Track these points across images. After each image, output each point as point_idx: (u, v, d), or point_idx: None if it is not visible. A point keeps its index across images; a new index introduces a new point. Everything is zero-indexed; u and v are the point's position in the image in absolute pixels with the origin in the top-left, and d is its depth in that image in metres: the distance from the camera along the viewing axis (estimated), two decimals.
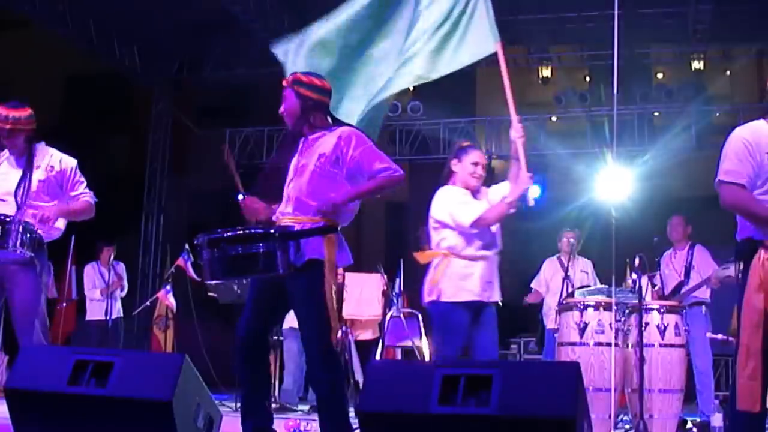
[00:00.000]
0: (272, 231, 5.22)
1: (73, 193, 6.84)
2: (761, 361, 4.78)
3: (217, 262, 5.29)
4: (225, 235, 5.28)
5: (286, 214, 5.56)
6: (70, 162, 6.90)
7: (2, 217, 6.37)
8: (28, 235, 6.40)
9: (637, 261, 8.20)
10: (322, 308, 5.39)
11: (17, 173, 6.73)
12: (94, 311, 13.59)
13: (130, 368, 5.07)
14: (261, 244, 5.17)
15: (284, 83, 5.81)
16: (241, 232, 5.29)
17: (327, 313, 5.39)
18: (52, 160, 6.83)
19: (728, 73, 21.25)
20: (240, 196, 5.83)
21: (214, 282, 6.28)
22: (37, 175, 6.73)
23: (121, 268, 14.02)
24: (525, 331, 15.89)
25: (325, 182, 5.51)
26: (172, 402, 4.87)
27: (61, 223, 6.78)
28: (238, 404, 6.17)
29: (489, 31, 7.26)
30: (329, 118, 5.88)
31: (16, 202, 6.63)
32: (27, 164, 6.76)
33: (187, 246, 12.49)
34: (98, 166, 6.78)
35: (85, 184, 6.92)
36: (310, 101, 5.71)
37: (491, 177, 18.59)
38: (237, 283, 10.48)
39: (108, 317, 13.42)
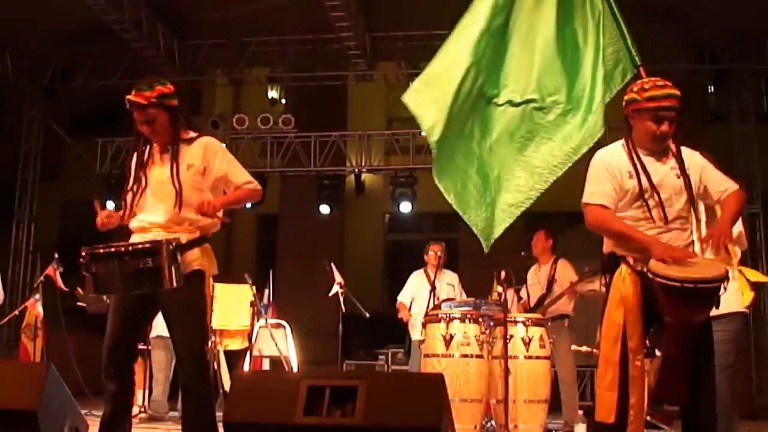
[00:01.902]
0: (167, 245, 5.12)
1: None
2: (618, 373, 4.88)
3: (118, 276, 5.16)
4: (129, 249, 5.17)
5: (156, 225, 5.46)
6: None
7: None
8: None
9: (503, 274, 8.29)
10: (201, 317, 5.36)
11: None
12: None
13: None
14: (158, 258, 5.07)
15: (143, 100, 5.48)
16: (142, 246, 5.16)
17: (204, 321, 5.37)
18: None
19: None
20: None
21: (97, 295, 6.10)
22: None
23: None
24: (392, 342, 15.94)
25: (195, 193, 5.45)
26: (38, 412, 4.79)
27: None
28: None
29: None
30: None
31: None
32: None
33: (56, 255, 12.28)
34: None
35: None
36: (177, 110, 5.61)
37: (361, 189, 18.75)
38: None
39: None
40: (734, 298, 6.04)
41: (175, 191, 5.43)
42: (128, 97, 5.51)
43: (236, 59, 18.12)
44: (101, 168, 17.67)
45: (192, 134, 5.69)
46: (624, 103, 5.24)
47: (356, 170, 18.09)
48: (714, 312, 4.93)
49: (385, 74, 18.35)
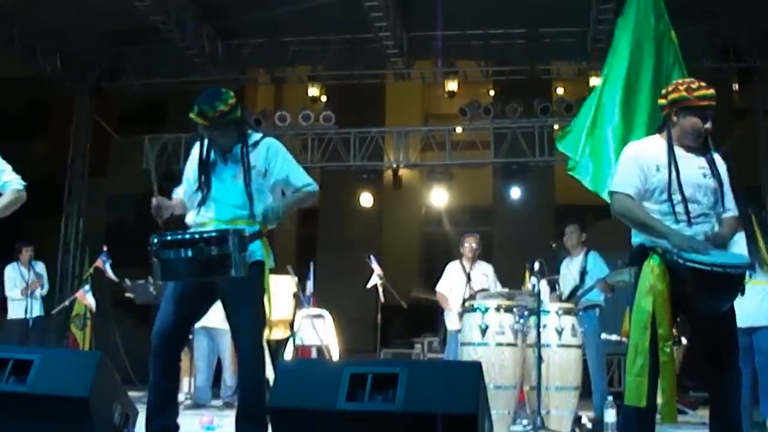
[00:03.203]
0: (234, 234, 5.16)
1: None
2: (649, 360, 4.90)
3: (188, 263, 5.21)
4: (200, 236, 5.21)
5: (218, 220, 5.51)
6: None
7: None
8: None
9: (536, 266, 8.29)
10: (260, 306, 5.40)
11: None
12: (15, 310, 13.40)
13: (48, 366, 5.02)
14: (226, 246, 5.11)
15: (205, 122, 5.55)
16: (211, 233, 5.21)
17: (263, 311, 5.41)
18: None
19: None
20: (153, 200, 5.71)
21: (151, 281, 6.16)
22: None
23: (41, 267, 13.83)
24: (428, 331, 15.97)
25: (257, 192, 5.51)
26: (90, 399, 4.83)
27: None
28: None
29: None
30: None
31: None
32: None
33: (105, 248, 12.39)
34: (18, 169, 6.61)
35: (9, 170, 6.61)
36: (239, 121, 5.65)
37: (399, 183, 18.80)
38: (153, 284, 10.42)
39: (28, 316, 13.29)
40: None
41: (237, 191, 5.49)
42: (192, 116, 5.54)
43: (278, 58, 18.14)
44: (147, 164, 17.78)
45: (256, 136, 5.74)
46: (668, 101, 5.25)
47: (394, 165, 18.07)
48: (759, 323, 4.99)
49: (422, 72, 18.33)
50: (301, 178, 5.69)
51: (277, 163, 5.59)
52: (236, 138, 5.62)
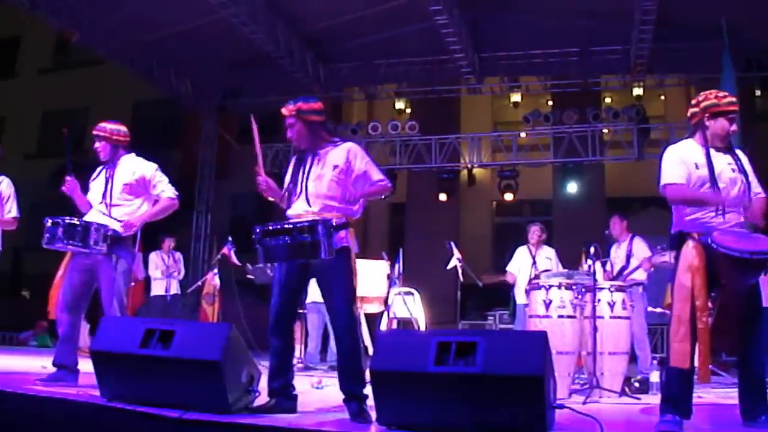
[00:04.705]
0: (323, 223, 5.21)
1: (154, 192, 6.84)
2: (689, 328, 4.88)
3: (283, 248, 5.27)
4: (294, 225, 5.26)
5: (309, 212, 5.56)
6: (149, 167, 6.89)
7: (83, 223, 6.47)
8: (103, 234, 6.46)
9: (592, 249, 8.22)
10: (349, 284, 5.42)
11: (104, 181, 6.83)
12: (157, 289, 13.69)
13: (188, 335, 5.11)
14: (315, 233, 5.17)
15: (287, 113, 5.73)
16: (303, 223, 5.24)
17: (352, 288, 5.44)
18: (133, 166, 6.85)
19: (662, 97, 21.42)
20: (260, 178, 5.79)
21: (267, 264, 6.22)
22: (122, 179, 6.77)
23: (179, 256, 14.11)
24: (499, 306, 15.92)
25: (341, 188, 5.55)
26: (221, 362, 4.90)
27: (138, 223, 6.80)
28: None
29: None
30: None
31: (104, 204, 6.71)
32: (110, 172, 6.82)
33: (230, 237, 12.55)
34: None
35: (165, 182, 6.88)
36: (315, 123, 5.71)
37: (472, 181, 18.77)
38: (270, 267, 10.52)
39: (167, 294, 13.60)
40: None
41: (325, 186, 5.54)
42: (282, 109, 5.71)
43: (370, 78, 18.22)
44: (263, 168, 17.93)
45: (338, 140, 5.79)
46: (699, 108, 5.24)
47: (468, 166, 18.08)
48: None
49: (491, 87, 18.33)
50: (377, 174, 5.71)
51: (356, 162, 5.61)
52: (312, 138, 5.68)
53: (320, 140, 5.71)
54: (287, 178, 5.79)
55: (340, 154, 5.63)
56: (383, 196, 5.89)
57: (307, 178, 5.63)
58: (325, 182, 5.56)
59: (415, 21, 15.75)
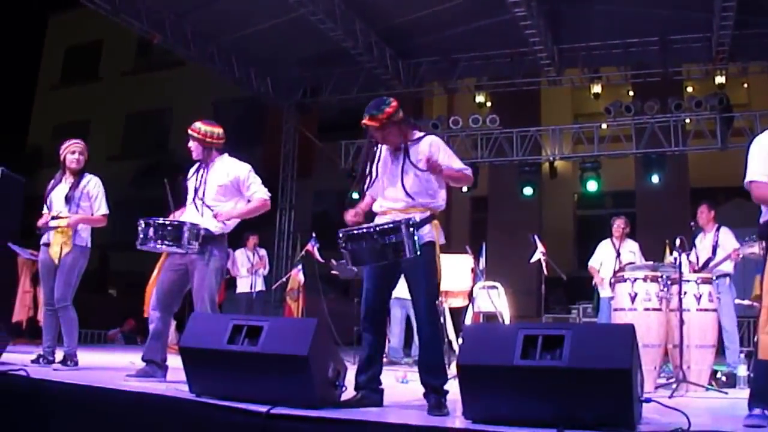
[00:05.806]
0: (405, 223, 5.22)
1: (247, 193, 6.90)
2: None
3: (369, 251, 5.30)
4: (376, 229, 5.26)
5: (394, 209, 5.58)
6: (243, 168, 6.95)
7: (176, 223, 6.59)
8: (195, 233, 6.57)
9: (678, 241, 8.10)
10: (433, 279, 5.44)
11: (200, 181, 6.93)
12: (242, 285, 13.84)
13: (275, 331, 5.15)
14: (398, 234, 5.18)
15: (376, 124, 5.55)
16: (386, 226, 5.24)
17: (436, 282, 5.45)
18: (227, 167, 6.92)
19: (745, 85, 20.97)
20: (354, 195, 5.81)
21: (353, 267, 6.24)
22: (216, 180, 6.85)
23: (264, 253, 14.24)
24: (582, 299, 15.82)
25: (424, 181, 5.56)
26: (309, 357, 4.94)
27: (232, 222, 6.89)
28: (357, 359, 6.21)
29: None
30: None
31: (195, 204, 6.82)
32: (205, 172, 6.92)
33: (314, 234, 12.65)
34: None
35: (257, 183, 6.93)
36: (403, 121, 5.68)
37: (554, 173, 18.65)
38: None
39: (252, 290, 13.75)
40: None
41: (408, 182, 5.55)
42: (363, 122, 5.59)
43: (449, 72, 18.23)
44: (345, 164, 18.11)
45: (419, 134, 5.78)
46: None
47: (550, 158, 17.98)
48: None
49: (571, 79, 18.18)
50: (459, 164, 5.69)
51: (438, 154, 5.60)
52: (400, 136, 5.66)
53: (406, 136, 5.71)
54: (371, 172, 5.78)
55: (423, 147, 5.64)
56: (466, 188, 5.89)
57: (391, 174, 5.65)
58: (409, 177, 5.58)
59: (493, 14, 15.70)
